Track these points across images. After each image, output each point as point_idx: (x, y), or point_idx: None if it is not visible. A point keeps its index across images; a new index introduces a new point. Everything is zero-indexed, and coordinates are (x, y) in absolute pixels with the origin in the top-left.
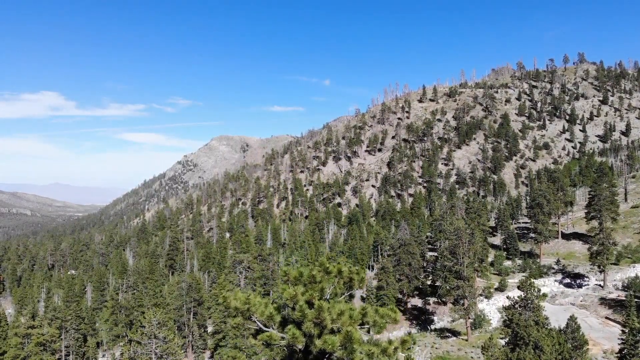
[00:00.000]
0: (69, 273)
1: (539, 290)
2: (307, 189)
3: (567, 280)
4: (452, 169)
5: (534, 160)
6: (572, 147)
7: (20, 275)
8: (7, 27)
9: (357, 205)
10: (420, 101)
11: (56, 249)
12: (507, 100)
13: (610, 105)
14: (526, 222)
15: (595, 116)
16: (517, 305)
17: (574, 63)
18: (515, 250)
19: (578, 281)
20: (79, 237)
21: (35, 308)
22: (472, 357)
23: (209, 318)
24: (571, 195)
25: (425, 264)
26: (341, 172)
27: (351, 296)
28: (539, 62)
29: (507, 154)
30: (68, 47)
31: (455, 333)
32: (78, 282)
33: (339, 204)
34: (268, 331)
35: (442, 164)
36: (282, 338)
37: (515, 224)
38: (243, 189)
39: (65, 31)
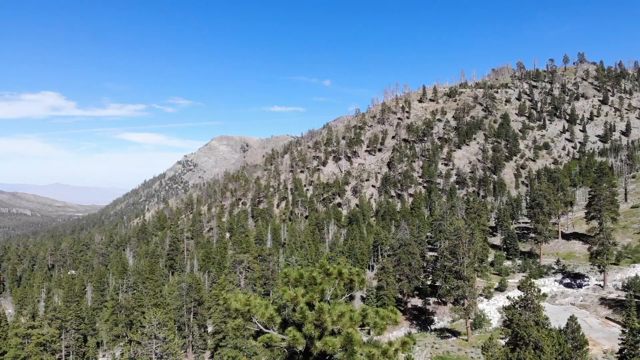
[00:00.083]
0: (69, 273)
1: (539, 290)
2: (307, 189)
3: (567, 281)
4: (452, 169)
5: (534, 160)
6: (572, 147)
7: (20, 275)
8: (7, 27)
9: (357, 205)
10: (420, 101)
11: (56, 249)
12: (507, 100)
13: (610, 105)
14: (526, 222)
15: (595, 116)
16: (517, 306)
17: (574, 63)
18: (515, 250)
19: (578, 281)
20: (79, 237)
21: (35, 308)
22: (472, 357)
23: (209, 318)
24: (571, 195)
25: (425, 264)
26: (341, 172)
27: (351, 297)
28: (539, 62)
29: (507, 154)
30: (68, 47)
31: (455, 333)
32: (78, 282)
33: (339, 204)
34: (269, 333)
35: (442, 164)
36: (283, 340)
37: (515, 224)
38: (243, 189)
39: (65, 31)
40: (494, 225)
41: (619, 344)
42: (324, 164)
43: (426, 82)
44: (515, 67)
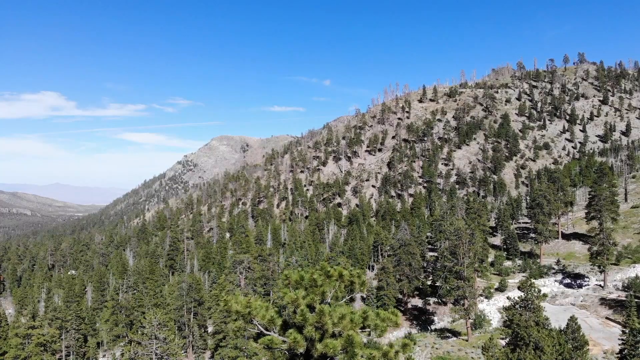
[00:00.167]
0: (69, 273)
1: (539, 290)
2: (307, 189)
3: (568, 281)
4: (452, 169)
5: (534, 161)
6: (572, 147)
7: (20, 275)
8: (7, 27)
9: (357, 205)
10: (420, 101)
11: (56, 249)
12: (507, 100)
13: (610, 105)
14: (526, 222)
15: (596, 116)
16: (517, 306)
17: (574, 63)
18: (516, 251)
19: (578, 281)
20: (79, 237)
21: (35, 308)
22: (472, 358)
23: (209, 318)
24: (571, 195)
25: (425, 264)
26: (341, 172)
27: (352, 298)
28: (539, 62)
29: (507, 154)
30: (68, 47)
31: (455, 333)
32: (78, 282)
33: (339, 204)
34: (269, 335)
35: (442, 164)
36: (284, 342)
37: (515, 224)
38: (243, 189)
39: (65, 31)
40: (494, 225)
41: (619, 344)
42: (324, 164)
43: (426, 82)
44: (515, 67)
